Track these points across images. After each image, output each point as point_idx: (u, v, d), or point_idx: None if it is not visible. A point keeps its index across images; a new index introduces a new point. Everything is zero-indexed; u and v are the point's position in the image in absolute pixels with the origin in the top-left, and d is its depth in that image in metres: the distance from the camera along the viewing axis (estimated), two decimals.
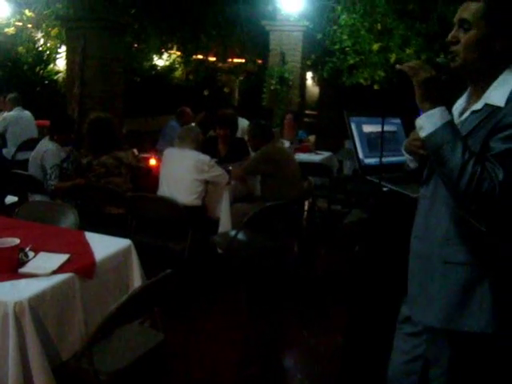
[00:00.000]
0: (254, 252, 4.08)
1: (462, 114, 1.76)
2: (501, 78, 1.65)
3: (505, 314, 1.67)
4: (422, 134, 1.63)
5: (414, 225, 1.89)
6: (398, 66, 1.68)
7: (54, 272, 2.21)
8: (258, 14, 9.47)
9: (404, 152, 1.92)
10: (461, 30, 1.67)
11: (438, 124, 1.59)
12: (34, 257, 2.35)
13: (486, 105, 1.64)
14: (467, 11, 1.65)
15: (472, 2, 1.65)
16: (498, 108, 1.59)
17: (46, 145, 4.48)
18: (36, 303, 2.02)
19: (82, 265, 2.34)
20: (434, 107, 1.60)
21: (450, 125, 1.59)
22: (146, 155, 5.08)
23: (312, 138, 7.29)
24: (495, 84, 1.65)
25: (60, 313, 2.17)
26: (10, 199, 4.78)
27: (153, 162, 4.87)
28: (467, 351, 1.75)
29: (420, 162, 1.91)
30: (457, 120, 1.75)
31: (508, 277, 1.67)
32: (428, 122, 1.61)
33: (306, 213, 5.80)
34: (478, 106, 1.67)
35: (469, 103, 1.76)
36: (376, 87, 9.39)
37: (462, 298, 1.68)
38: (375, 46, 8.74)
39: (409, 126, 1.98)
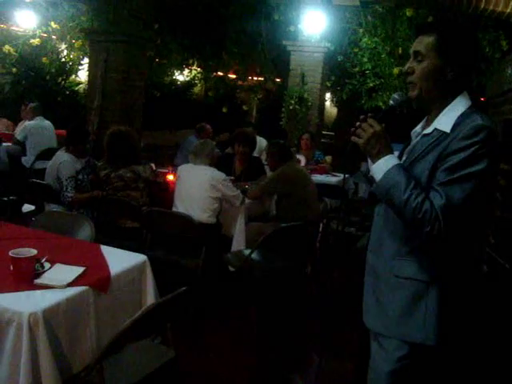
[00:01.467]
0: (267, 272, 4.06)
1: (417, 137, 1.90)
2: (451, 105, 1.78)
3: (447, 329, 1.77)
4: (374, 186, 1.79)
5: (369, 239, 2.01)
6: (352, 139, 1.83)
7: (70, 284, 2.21)
8: (279, 34, 9.52)
9: (368, 159, 1.99)
10: (415, 62, 1.81)
11: (383, 172, 1.73)
12: (50, 268, 2.36)
13: (436, 129, 1.77)
14: (420, 44, 1.80)
15: (425, 35, 1.80)
16: (445, 133, 1.72)
17: (62, 156, 4.52)
18: (50, 315, 2.03)
19: (97, 278, 2.35)
20: (379, 159, 1.75)
21: (393, 169, 1.71)
22: (163, 170, 5.10)
23: (329, 158, 7.29)
24: (445, 110, 1.78)
25: (73, 325, 2.17)
26: (27, 208, 4.82)
27: (170, 177, 4.89)
28: (411, 362, 1.82)
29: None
30: (412, 143, 1.91)
31: (454, 293, 1.76)
32: (376, 173, 1.76)
33: (319, 234, 5.77)
34: (428, 130, 1.80)
35: (424, 128, 1.88)
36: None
37: (408, 309, 1.78)
38: (395, 70, 8.74)
39: (345, 157, 2.07)
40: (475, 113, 1.72)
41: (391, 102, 1.89)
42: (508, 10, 5.26)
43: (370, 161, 1.95)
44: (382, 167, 1.74)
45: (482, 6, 5.46)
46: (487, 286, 2.02)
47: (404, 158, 1.88)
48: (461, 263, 1.78)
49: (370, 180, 1.99)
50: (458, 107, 1.76)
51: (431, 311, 1.75)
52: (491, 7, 5.38)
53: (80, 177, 4.48)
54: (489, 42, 7.71)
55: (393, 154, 1.77)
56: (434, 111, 1.82)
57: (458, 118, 1.72)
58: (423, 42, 1.79)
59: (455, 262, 1.77)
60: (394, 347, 1.83)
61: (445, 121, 1.75)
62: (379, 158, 1.75)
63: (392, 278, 1.82)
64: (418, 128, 1.93)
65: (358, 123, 1.82)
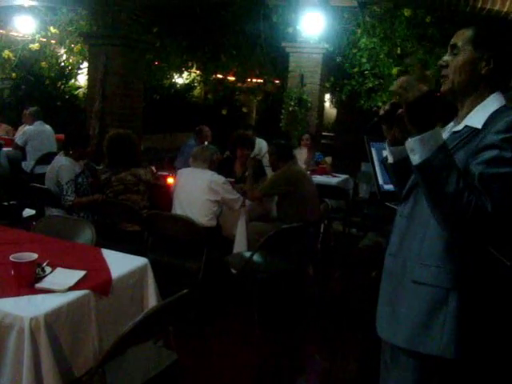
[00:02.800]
0: (269, 273, 4.06)
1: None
2: (484, 103, 1.69)
3: (467, 342, 1.64)
4: (416, 159, 1.54)
5: (389, 242, 1.88)
6: (391, 88, 1.68)
7: (71, 288, 2.21)
8: (278, 36, 9.54)
9: (386, 144, 1.88)
10: (451, 55, 1.74)
11: (433, 149, 1.50)
12: (51, 272, 2.36)
13: (466, 126, 1.67)
14: (458, 37, 1.73)
15: (464, 29, 1.74)
16: (476, 130, 1.61)
17: (60, 160, 4.49)
18: (51, 319, 2.02)
19: (98, 282, 2.35)
20: (426, 130, 1.52)
21: (444, 149, 1.52)
22: (163, 173, 5.10)
23: (329, 159, 7.30)
24: (478, 108, 1.69)
25: (75, 329, 2.16)
26: (28, 212, 4.82)
27: (171, 180, 4.89)
28: (430, 375, 1.71)
29: (397, 177, 1.90)
30: None
31: (475, 304, 1.64)
32: (421, 147, 1.52)
33: (321, 235, 5.77)
34: (458, 127, 1.71)
35: (455, 125, 1.79)
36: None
37: (425, 319, 1.66)
38: (394, 70, 8.76)
39: (364, 133, 2.04)
40: (510, 109, 1.63)
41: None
42: (505, 9, 5.27)
43: (390, 151, 1.84)
44: (431, 141, 1.50)
45: (480, 5, 5.47)
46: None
47: None
48: (487, 267, 1.64)
49: (387, 167, 1.90)
50: (491, 105, 1.67)
51: (450, 321, 1.62)
52: (488, 6, 5.39)
53: (79, 180, 4.46)
54: None
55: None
56: (466, 108, 1.73)
57: (491, 115, 1.62)
58: (461, 35, 1.72)
59: (479, 266, 1.64)
60: (409, 360, 1.72)
61: (476, 117, 1.65)
62: (424, 128, 1.51)
63: (410, 285, 1.71)
64: (448, 127, 1.83)
65: (387, 106, 1.70)
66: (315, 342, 3.92)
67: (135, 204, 4.28)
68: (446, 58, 1.75)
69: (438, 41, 8.48)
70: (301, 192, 4.54)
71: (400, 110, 1.65)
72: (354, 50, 9.04)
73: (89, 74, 7.95)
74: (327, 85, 10.32)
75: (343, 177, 6.73)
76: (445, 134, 1.76)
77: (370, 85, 9.13)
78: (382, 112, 1.73)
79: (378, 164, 2.89)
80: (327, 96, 12.42)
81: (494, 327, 1.67)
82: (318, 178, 6.15)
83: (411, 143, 1.55)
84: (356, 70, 9.15)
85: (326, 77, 9.79)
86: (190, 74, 12.32)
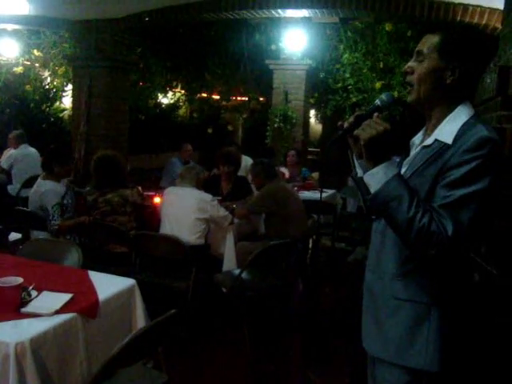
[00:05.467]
0: (259, 291, 4.04)
1: (417, 147, 1.77)
2: (452, 114, 1.67)
3: (451, 354, 1.66)
4: (371, 191, 1.62)
5: (368, 257, 1.89)
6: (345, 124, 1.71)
7: (57, 312, 2.18)
8: (261, 53, 9.61)
9: (354, 158, 1.87)
10: (416, 62, 1.71)
11: (382, 182, 1.58)
12: (37, 296, 2.33)
13: (436, 140, 1.65)
14: (424, 43, 1.71)
15: (430, 35, 1.71)
16: (447, 145, 1.60)
17: (43, 185, 4.42)
18: (38, 344, 1.99)
19: (85, 305, 2.32)
20: (378, 165, 1.60)
21: (394, 180, 1.57)
22: (150, 193, 5.09)
23: (315, 175, 7.31)
24: (446, 119, 1.67)
25: (62, 353, 2.14)
26: (14, 236, 4.77)
27: (157, 200, 4.87)
28: None
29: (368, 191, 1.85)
30: (411, 154, 1.78)
31: (456, 317, 1.67)
32: (373, 181, 1.61)
33: (310, 251, 5.77)
34: (429, 141, 1.68)
35: (424, 137, 1.78)
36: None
37: (410, 333, 1.67)
38: (378, 84, 8.84)
39: (328, 148, 1.90)
40: (479, 123, 1.60)
41: (377, 101, 1.73)
42: (483, 22, 5.35)
43: (358, 164, 1.83)
44: (381, 175, 1.58)
45: (459, 18, 5.55)
46: (482, 296, 1.91)
47: (404, 170, 1.75)
48: (462, 280, 1.69)
49: (357, 182, 1.88)
50: (459, 116, 1.65)
51: (434, 335, 1.64)
52: (468, 19, 5.47)
53: (65, 201, 4.43)
54: None
55: (392, 160, 1.62)
56: (434, 119, 1.72)
57: (461, 128, 1.61)
58: (427, 42, 1.70)
59: (457, 280, 1.67)
60: (394, 374, 1.72)
61: (446, 131, 1.63)
62: (379, 163, 1.59)
63: (391, 300, 1.72)
64: (417, 138, 1.83)
65: (351, 119, 1.71)
66: (306, 358, 3.89)
67: (122, 225, 4.25)
68: (411, 64, 1.73)
69: None
70: (287, 209, 4.55)
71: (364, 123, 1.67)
72: (338, 66, 9.11)
73: (73, 95, 7.94)
74: (312, 101, 10.39)
75: (330, 192, 6.74)
76: (414, 149, 1.79)
77: (354, 99, 9.19)
78: (346, 125, 1.73)
79: None
80: (312, 112, 12.48)
81: (475, 339, 1.70)
82: (305, 194, 6.16)
83: (366, 178, 1.65)
84: (340, 85, 9.22)
85: (310, 93, 9.87)
86: (174, 94, 12.34)
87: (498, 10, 5.00)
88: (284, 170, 6.82)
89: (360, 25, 8.80)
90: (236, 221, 4.58)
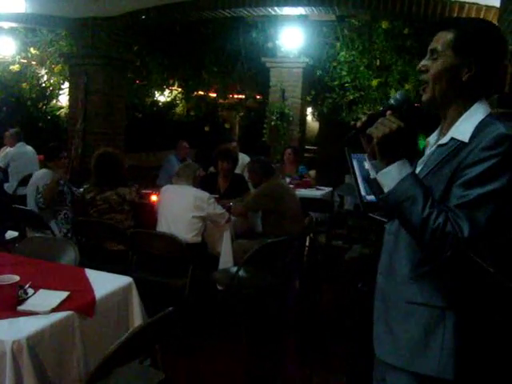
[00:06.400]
0: (255, 289, 4.05)
1: (432, 146, 1.74)
2: (468, 112, 1.62)
3: (465, 362, 1.60)
4: (384, 190, 1.59)
5: (380, 260, 1.83)
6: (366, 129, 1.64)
7: (54, 310, 2.18)
8: (258, 51, 9.60)
9: (367, 158, 1.80)
10: (430, 60, 1.66)
11: (395, 181, 1.54)
12: (34, 294, 2.33)
13: (452, 139, 1.60)
14: (438, 41, 1.65)
15: (444, 31, 1.64)
16: (463, 144, 1.55)
17: (39, 173, 4.86)
18: (34, 342, 1.99)
19: (81, 302, 2.32)
20: (392, 163, 1.56)
21: (408, 179, 1.53)
22: (147, 191, 5.08)
23: (312, 173, 7.31)
24: (462, 118, 1.62)
25: (59, 352, 2.13)
26: (11, 234, 4.77)
27: (154, 198, 4.87)
28: None
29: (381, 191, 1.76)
30: (426, 153, 1.74)
31: (473, 323, 1.61)
32: (386, 180, 1.57)
33: (307, 248, 5.77)
34: (444, 139, 1.64)
35: (439, 136, 1.73)
36: None
37: (424, 339, 1.61)
38: (374, 82, 8.85)
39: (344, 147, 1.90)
40: (496, 120, 1.54)
41: (391, 101, 1.68)
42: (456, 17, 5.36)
43: (371, 165, 1.76)
44: (394, 174, 1.54)
45: (456, 16, 5.55)
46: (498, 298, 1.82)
47: (418, 170, 1.70)
48: (479, 282, 1.62)
49: (370, 183, 1.85)
50: (476, 114, 1.59)
51: (448, 340, 1.58)
52: (464, 16, 5.47)
53: (64, 189, 4.66)
54: None
55: (406, 159, 1.58)
56: (449, 118, 1.66)
57: (477, 126, 1.55)
58: (441, 39, 1.63)
59: (473, 283, 1.61)
60: (405, 381, 1.66)
61: (462, 129, 1.58)
62: (392, 162, 1.55)
63: (404, 305, 1.66)
64: (433, 137, 1.77)
65: (364, 118, 1.66)
66: (303, 356, 3.89)
67: (119, 223, 4.25)
68: (425, 62, 1.67)
69: (417, 52, 8.59)
70: (284, 206, 4.55)
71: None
72: (334, 64, 9.11)
73: (70, 93, 7.94)
74: (308, 98, 10.38)
75: (327, 189, 6.75)
76: (430, 148, 1.74)
77: (351, 97, 9.21)
78: (359, 124, 1.69)
79: (359, 175, 2.90)
80: (309, 110, 12.47)
81: (492, 345, 1.64)
82: (303, 192, 6.16)
83: (379, 177, 1.60)
84: (336, 82, 9.22)
85: (307, 90, 9.86)
86: (171, 92, 12.33)
87: (494, 7, 5.01)
88: (286, 178, 6.82)
89: (357, 22, 8.80)
90: (233, 218, 4.58)
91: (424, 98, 1.69)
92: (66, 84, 9.34)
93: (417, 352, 1.62)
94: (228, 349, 3.84)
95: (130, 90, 9.63)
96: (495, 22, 4.89)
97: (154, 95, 11.96)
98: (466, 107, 1.63)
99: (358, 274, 4.01)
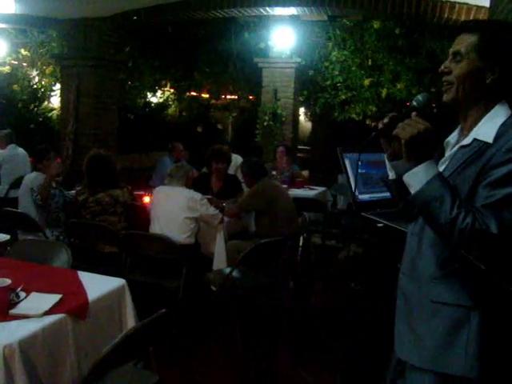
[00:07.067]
0: (249, 289, 4.04)
1: (453, 148, 1.74)
2: (490, 114, 1.64)
3: (491, 360, 1.61)
4: (411, 191, 1.61)
5: (402, 261, 1.85)
6: (394, 132, 1.65)
7: (46, 313, 2.16)
8: (250, 52, 9.60)
9: (386, 159, 1.83)
10: (453, 62, 1.67)
11: (423, 181, 1.56)
12: (26, 297, 2.31)
13: (475, 140, 1.62)
14: (461, 43, 1.66)
15: (467, 34, 1.66)
16: (487, 144, 1.57)
17: (31, 175, 4.92)
18: (27, 346, 1.97)
19: (74, 305, 2.30)
20: (419, 164, 1.58)
21: (436, 180, 1.56)
22: (139, 193, 5.06)
23: (305, 173, 7.32)
24: (485, 119, 1.64)
25: (51, 355, 2.12)
26: (2, 237, 4.74)
27: (147, 199, 4.85)
28: None
29: (400, 192, 1.81)
30: (447, 154, 1.75)
31: (497, 322, 1.62)
32: (414, 181, 1.59)
33: (300, 248, 5.77)
34: (466, 140, 1.65)
35: (459, 137, 1.75)
36: (368, 122, 9.51)
37: (448, 339, 1.62)
38: (366, 82, 8.88)
39: (361, 148, 1.88)
40: None
41: (414, 103, 1.70)
42: (471, 19, 5.38)
43: (390, 166, 1.80)
44: (422, 175, 1.56)
45: (446, 16, 5.58)
46: None
47: (441, 170, 1.68)
48: (505, 282, 1.62)
49: (388, 185, 1.87)
50: (498, 115, 1.62)
51: (473, 340, 1.59)
52: (455, 16, 5.51)
53: (52, 191, 4.63)
54: None
55: (433, 160, 1.60)
56: (470, 119, 1.68)
57: (500, 127, 1.57)
58: (464, 42, 1.64)
59: (500, 283, 1.61)
60: (426, 380, 1.67)
61: (485, 130, 1.60)
62: (420, 163, 1.57)
63: (428, 304, 1.67)
64: (452, 138, 1.79)
65: (386, 120, 1.69)
66: (298, 355, 3.89)
67: (112, 225, 4.23)
68: (448, 64, 1.68)
69: (408, 51, 8.62)
70: (277, 207, 4.55)
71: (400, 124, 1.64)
72: (326, 63, 9.13)
73: (61, 95, 7.91)
74: (301, 98, 10.40)
75: (320, 189, 6.75)
76: (450, 149, 1.76)
77: (343, 97, 9.23)
78: (380, 126, 1.71)
79: (352, 175, 2.91)
80: (302, 109, 12.49)
81: None
82: (296, 192, 6.16)
83: (406, 178, 1.62)
84: (329, 82, 9.24)
85: (299, 90, 9.87)
86: (163, 93, 12.31)
87: (484, 7, 5.03)
88: (274, 172, 6.79)
89: (348, 22, 8.82)
90: (226, 219, 4.57)
91: (447, 97, 1.70)
92: (58, 85, 9.31)
93: (441, 351, 1.63)
94: (222, 350, 3.84)
95: (122, 92, 9.61)
96: None
97: (146, 96, 11.94)
98: (487, 109, 1.65)
99: (351, 273, 4.02)
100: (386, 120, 1.69)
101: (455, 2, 5.45)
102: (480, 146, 1.59)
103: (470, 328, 1.60)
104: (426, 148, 1.59)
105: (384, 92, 8.82)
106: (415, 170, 1.58)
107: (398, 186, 1.77)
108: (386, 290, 2.78)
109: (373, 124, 1.75)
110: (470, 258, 1.58)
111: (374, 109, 9.10)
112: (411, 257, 1.78)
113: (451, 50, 1.69)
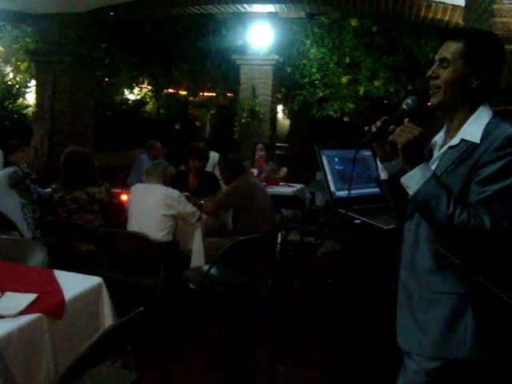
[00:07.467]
0: (228, 287, 4.04)
1: (441, 148, 1.85)
2: (475, 115, 1.76)
3: (486, 341, 1.72)
4: (409, 192, 1.72)
5: (401, 257, 1.95)
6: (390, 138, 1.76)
7: (22, 313, 2.13)
8: (228, 48, 9.58)
9: (378, 161, 1.95)
10: (440, 67, 1.78)
11: (420, 182, 1.67)
12: (1, 297, 2.28)
13: (463, 140, 1.74)
14: (447, 50, 1.77)
15: (453, 41, 1.77)
16: (475, 144, 1.69)
17: (5, 170, 4.79)
18: (1, 346, 1.94)
19: (50, 304, 2.27)
20: (415, 167, 1.69)
21: (432, 180, 1.67)
22: (117, 190, 5.03)
23: (284, 170, 7.32)
24: (470, 120, 1.76)
25: (27, 355, 2.09)
26: None
27: (124, 197, 4.82)
28: (447, 379, 1.78)
29: (392, 192, 1.94)
30: (436, 154, 1.86)
31: (489, 305, 1.70)
32: (412, 182, 1.71)
33: (278, 245, 5.79)
34: (454, 141, 1.77)
35: (446, 138, 1.86)
36: (346, 119, 9.56)
37: (448, 326, 1.73)
38: (344, 79, 8.93)
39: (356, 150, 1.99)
40: (502, 122, 1.72)
41: (404, 106, 1.82)
42: (446, 18, 5.44)
43: (383, 167, 1.91)
44: (419, 176, 1.69)
45: (423, 14, 5.63)
46: None
47: None
48: (499, 269, 1.72)
49: (380, 185, 1.98)
50: (482, 117, 1.75)
51: (470, 324, 1.71)
52: (431, 15, 5.56)
53: (27, 183, 4.65)
54: (432, 49, 7.96)
55: (426, 162, 1.73)
56: (457, 120, 1.80)
57: (485, 127, 1.71)
58: (451, 49, 1.76)
59: (494, 270, 1.70)
60: (432, 368, 1.77)
61: (472, 131, 1.73)
62: (415, 165, 1.70)
63: (428, 295, 1.79)
64: (439, 138, 1.91)
65: (379, 123, 1.80)
66: (277, 352, 3.90)
67: (89, 223, 4.19)
68: (435, 69, 1.79)
69: (386, 49, 8.69)
70: (255, 204, 4.55)
71: (391, 127, 1.78)
72: (304, 61, 9.16)
73: (37, 92, 7.80)
74: (279, 96, 10.41)
75: (299, 186, 6.76)
76: (438, 149, 1.87)
77: (321, 94, 9.27)
78: (374, 129, 1.81)
79: (329, 171, 2.93)
80: (280, 107, 12.51)
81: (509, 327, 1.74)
82: (274, 189, 6.17)
83: (404, 180, 1.74)
84: (307, 80, 9.27)
85: (277, 88, 9.89)
86: (141, 90, 12.21)
87: (459, 6, 5.09)
88: (254, 170, 6.78)
89: (326, 20, 8.86)
90: (204, 217, 4.56)
91: (434, 100, 1.81)
92: (33, 82, 9.18)
93: (443, 338, 1.74)
94: (201, 347, 3.83)
95: (98, 88, 9.51)
96: (461, 21, 4.98)
97: (123, 93, 11.83)
98: (472, 110, 1.77)
99: (329, 270, 4.04)
100: (378, 123, 1.81)
101: (432, 1, 5.51)
102: (468, 147, 1.71)
103: (467, 313, 1.71)
104: (421, 151, 1.73)
105: (361, 89, 8.88)
106: (412, 172, 1.70)
107: (390, 186, 1.93)
108: (363, 286, 2.81)
109: (366, 128, 1.83)
110: (448, 255, 1.64)
111: (352, 106, 9.17)
112: (409, 252, 1.89)
113: (438, 57, 1.80)
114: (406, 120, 1.76)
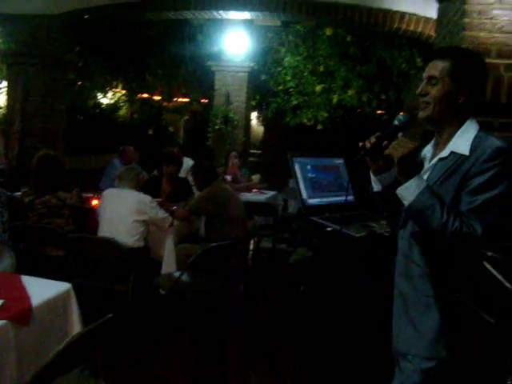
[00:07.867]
0: (199, 293, 4.02)
1: (431, 160, 1.96)
2: (463, 128, 1.87)
3: (462, 342, 1.83)
4: (405, 203, 1.82)
5: (396, 264, 2.04)
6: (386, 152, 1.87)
7: None
8: (203, 55, 9.57)
9: (371, 174, 2.03)
10: (429, 85, 1.89)
11: (415, 193, 1.78)
12: None
13: (452, 153, 1.84)
14: (435, 68, 1.89)
15: (440, 60, 1.89)
16: (464, 157, 1.80)
17: None
18: None
19: (16, 311, 2.23)
20: (410, 178, 1.79)
21: (426, 191, 1.77)
22: (88, 195, 4.96)
23: (256, 177, 7.34)
24: (459, 133, 1.87)
25: None
26: None
27: (95, 202, 4.76)
28: (442, 378, 1.87)
29: (386, 203, 2.05)
30: (426, 166, 1.96)
31: (483, 309, 1.80)
32: (407, 193, 1.80)
33: (251, 252, 5.78)
34: (444, 153, 1.88)
35: (435, 150, 1.96)
36: (319, 127, 9.63)
37: (442, 326, 1.84)
38: (318, 88, 8.99)
39: (352, 166, 2.09)
40: (488, 135, 1.83)
41: (396, 122, 1.93)
42: (419, 29, 5.53)
43: (376, 179, 1.99)
44: (414, 188, 1.78)
45: (396, 25, 5.71)
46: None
47: None
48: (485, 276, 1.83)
49: (373, 196, 2.06)
50: (469, 130, 1.85)
51: (462, 326, 1.82)
52: (404, 26, 5.64)
53: None
54: (405, 60, 8.08)
55: (420, 174, 1.83)
56: (446, 134, 1.91)
57: (473, 140, 1.81)
58: (438, 67, 1.88)
59: (481, 277, 1.82)
60: (428, 367, 1.86)
61: (460, 144, 1.83)
62: (410, 177, 1.80)
63: (422, 298, 1.89)
64: (428, 151, 2.00)
65: (373, 139, 1.89)
66: (248, 359, 3.89)
67: (59, 228, 4.13)
68: (425, 87, 1.90)
69: (359, 59, 8.79)
70: (227, 211, 4.55)
71: (385, 142, 1.86)
72: (279, 68, 9.21)
73: (8, 93, 7.67)
74: (253, 103, 10.44)
75: (271, 193, 6.78)
76: (428, 161, 1.97)
77: (295, 102, 9.32)
78: (368, 145, 1.90)
79: (301, 179, 2.94)
80: (254, 114, 12.54)
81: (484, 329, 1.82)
82: (247, 196, 6.17)
83: (400, 191, 1.84)
84: (281, 87, 9.31)
85: (251, 95, 9.92)
86: (114, 94, 12.11)
87: (432, 18, 5.17)
88: (227, 176, 6.78)
89: (301, 29, 8.92)
90: (176, 223, 4.53)
91: (422, 114, 1.92)
92: (4, 83, 9.03)
93: (438, 338, 1.85)
94: (173, 354, 3.80)
95: (71, 92, 9.40)
96: (433, 33, 5.06)
97: (96, 97, 11.72)
98: (459, 124, 1.89)
99: (301, 277, 4.05)
100: (373, 139, 1.90)
101: (405, 13, 5.59)
102: (457, 158, 1.82)
103: (457, 316, 1.82)
104: (415, 164, 1.84)
105: (335, 98, 8.96)
106: (407, 184, 1.80)
107: (383, 197, 2.03)
108: (335, 293, 2.82)
109: (360, 144, 1.92)
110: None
111: (325, 114, 9.24)
112: (404, 259, 1.99)
113: (426, 75, 1.91)
114: (401, 134, 1.87)
